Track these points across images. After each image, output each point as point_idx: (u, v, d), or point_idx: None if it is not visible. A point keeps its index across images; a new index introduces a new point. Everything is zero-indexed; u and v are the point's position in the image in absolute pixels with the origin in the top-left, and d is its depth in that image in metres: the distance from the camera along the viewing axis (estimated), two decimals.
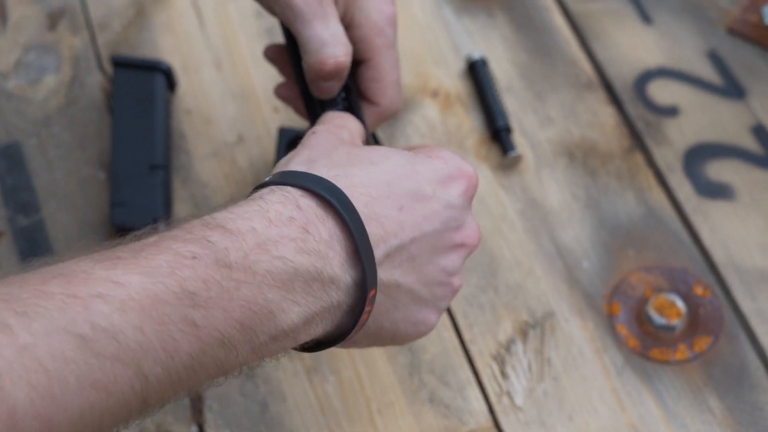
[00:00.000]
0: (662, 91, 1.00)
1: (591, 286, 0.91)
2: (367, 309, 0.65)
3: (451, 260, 0.71)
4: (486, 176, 0.96)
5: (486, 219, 0.94)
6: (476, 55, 1.01)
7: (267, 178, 0.67)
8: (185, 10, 1.07)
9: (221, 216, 0.62)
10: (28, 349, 0.52)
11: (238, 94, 1.02)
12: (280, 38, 1.05)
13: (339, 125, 0.74)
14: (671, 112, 0.99)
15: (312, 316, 0.63)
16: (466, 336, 0.89)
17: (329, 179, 0.66)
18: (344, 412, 0.86)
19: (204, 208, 0.95)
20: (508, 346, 0.89)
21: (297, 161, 0.69)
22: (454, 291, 0.73)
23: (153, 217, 0.92)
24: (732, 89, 1.00)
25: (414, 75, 1.02)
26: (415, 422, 0.86)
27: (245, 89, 1.02)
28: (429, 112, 1.00)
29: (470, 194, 0.72)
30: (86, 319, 0.54)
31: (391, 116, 0.84)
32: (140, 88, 0.98)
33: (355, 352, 0.88)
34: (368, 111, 0.82)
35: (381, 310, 0.69)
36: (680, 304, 0.89)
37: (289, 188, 0.65)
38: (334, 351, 0.88)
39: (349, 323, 0.66)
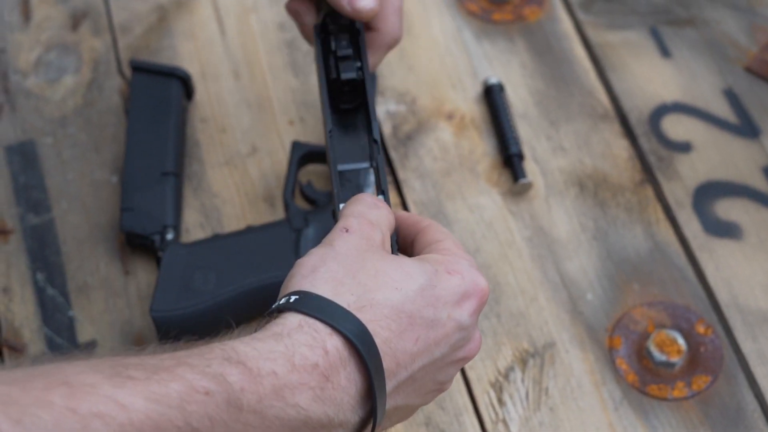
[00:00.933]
0: (676, 127, 1.01)
1: (594, 319, 0.91)
2: None
3: (448, 373, 0.71)
4: (496, 202, 0.97)
5: (493, 245, 0.94)
6: (493, 79, 1.01)
7: (292, 298, 0.65)
8: (207, 19, 1.08)
9: (244, 351, 0.61)
10: None
11: (254, 104, 1.02)
12: (300, 52, 1.06)
13: (372, 223, 0.71)
14: (684, 147, 0.99)
15: None
16: None
17: (356, 312, 0.65)
18: None
19: (213, 218, 0.96)
20: (507, 374, 0.89)
21: (324, 277, 0.67)
22: (442, 392, 0.73)
23: (162, 225, 0.93)
24: (746, 128, 1.00)
25: (430, 97, 1.02)
26: None
27: (262, 100, 1.03)
28: (443, 134, 1.00)
29: (480, 310, 0.71)
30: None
31: (393, 44, 0.84)
32: (157, 93, 0.99)
33: None
34: (370, 39, 0.83)
35: (384, 426, 0.69)
36: (681, 341, 0.89)
37: (318, 325, 0.63)
38: None
39: None
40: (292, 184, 0.93)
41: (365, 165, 0.78)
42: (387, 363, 0.65)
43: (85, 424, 0.53)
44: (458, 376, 0.88)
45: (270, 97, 1.03)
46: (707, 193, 0.97)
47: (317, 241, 0.86)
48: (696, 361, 0.89)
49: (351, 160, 0.78)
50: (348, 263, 0.67)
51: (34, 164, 0.99)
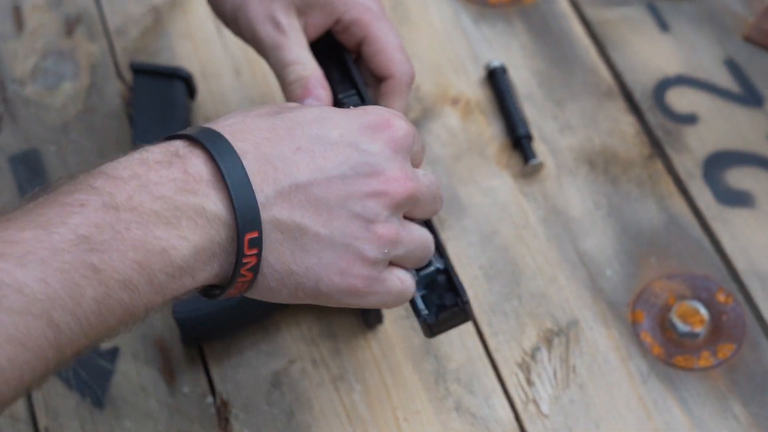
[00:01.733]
0: (681, 99, 1.01)
1: (614, 294, 0.92)
2: (249, 252, 0.66)
3: (369, 207, 0.69)
4: (507, 184, 0.97)
5: (508, 227, 0.94)
6: (496, 62, 1.01)
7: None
8: (203, 18, 1.07)
9: (104, 166, 0.65)
10: None
11: (257, 101, 1.02)
12: None
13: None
14: (690, 119, 1.00)
15: (201, 250, 0.65)
16: (491, 344, 0.90)
17: (220, 128, 0.67)
18: (371, 420, 0.86)
19: None
20: (533, 354, 0.89)
21: (213, 121, 0.71)
22: (379, 238, 0.70)
23: None
24: (750, 97, 1.01)
25: (434, 83, 1.02)
26: (442, 430, 0.86)
27: (265, 96, 1.02)
28: (450, 120, 1.00)
29: (397, 144, 0.70)
30: None
31: (410, 82, 0.84)
32: (160, 95, 0.98)
33: (381, 361, 0.89)
34: (389, 86, 0.83)
35: (285, 253, 0.68)
36: (703, 311, 0.90)
37: (173, 141, 0.67)
38: (360, 360, 0.89)
39: (235, 266, 0.67)
40: None
41: None
42: (259, 165, 0.66)
43: None
44: (485, 358, 0.88)
45: (273, 93, 1.02)
46: (717, 164, 0.97)
47: None
48: (719, 330, 0.90)
49: None
50: (249, 110, 0.71)
51: (40, 173, 0.98)
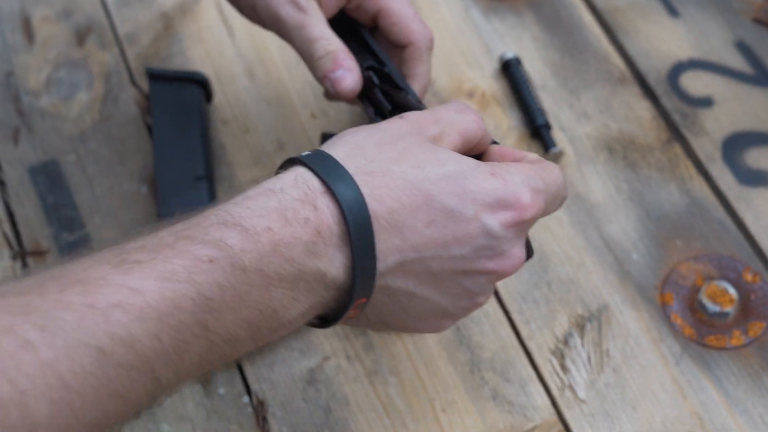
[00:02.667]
0: (695, 83, 1.02)
1: (642, 278, 0.92)
2: (353, 313, 0.67)
3: (479, 283, 0.70)
4: None
5: None
6: (510, 54, 1.02)
7: (303, 153, 0.67)
8: (213, 22, 1.07)
9: (238, 212, 0.62)
10: (50, 366, 0.53)
11: (273, 101, 1.02)
12: None
13: (436, 119, 0.71)
14: (706, 102, 1.01)
15: (309, 309, 0.65)
16: (524, 332, 0.90)
17: (360, 176, 0.65)
18: (408, 413, 0.87)
19: None
20: (566, 340, 0.89)
21: (347, 140, 0.68)
22: (477, 307, 0.72)
23: None
24: (763, 77, 1.01)
25: (448, 77, 1.03)
26: (480, 419, 0.86)
27: (281, 96, 1.02)
28: None
29: (519, 228, 0.69)
30: (105, 330, 0.55)
31: (431, 45, 0.85)
32: (178, 100, 0.98)
33: (414, 354, 0.89)
34: (411, 55, 0.85)
35: (384, 311, 0.70)
36: (732, 291, 0.90)
37: (314, 182, 0.64)
38: (393, 354, 0.89)
39: (338, 316, 0.68)
40: None
41: None
42: (388, 235, 0.65)
43: (107, 316, 0.55)
44: (518, 346, 0.89)
45: (288, 92, 1.03)
46: (735, 145, 0.98)
47: None
48: (748, 308, 0.90)
49: None
50: (379, 136, 0.68)
51: (60, 183, 0.98)
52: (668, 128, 1.00)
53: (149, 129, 1.01)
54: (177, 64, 1.04)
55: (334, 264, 0.64)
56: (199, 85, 0.99)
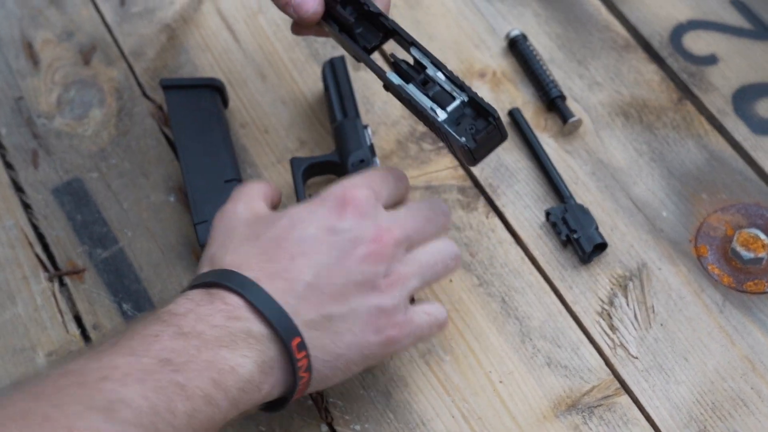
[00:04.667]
0: (698, 43, 1.04)
1: (675, 233, 0.94)
2: (299, 356, 0.76)
3: (365, 271, 0.78)
4: (550, 145, 0.99)
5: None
6: (515, 32, 1.04)
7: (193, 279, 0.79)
8: (217, 29, 1.08)
9: (161, 308, 0.75)
10: (71, 429, 0.64)
11: (288, 101, 1.03)
12: (318, 42, 1.06)
13: (233, 200, 0.84)
14: (711, 60, 1.03)
15: (261, 364, 0.74)
16: (568, 298, 0.92)
17: (228, 265, 0.78)
18: (467, 388, 0.88)
19: None
20: (610, 301, 0.91)
21: (206, 259, 0.81)
22: (388, 288, 0.79)
23: None
24: (762, 31, 1.04)
25: (458, 60, 1.04)
26: (538, 386, 0.88)
27: (295, 95, 1.03)
28: (481, 92, 1.02)
29: (357, 212, 0.79)
30: (102, 397, 0.66)
31: None
32: (197, 107, 0.99)
33: (464, 330, 0.90)
34: None
35: (326, 343, 0.77)
36: (763, 236, 0.93)
37: (197, 289, 0.77)
38: (444, 332, 0.90)
39: (293, 372, 0.76)
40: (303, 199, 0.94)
41: None
42: (274, 284, 0.76)
43: (98, 388, 0.67)
44: (564, 312, 0.90)
45: (302, 90, 1.04)
46: (744, 98, 1.01)
47: None
48: None
49: None
50: (219, 240, 0.82)
51: (87, 200, 0.98)
52: (678, 88, 1.02)
53: (168, 139, 1.01)
54: (186, 73, 1.05)
55: (252, 322, 0.75)
56: (216, 90, 1.00)
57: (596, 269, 0.93)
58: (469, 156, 0.80)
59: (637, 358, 0.89)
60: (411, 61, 0.83)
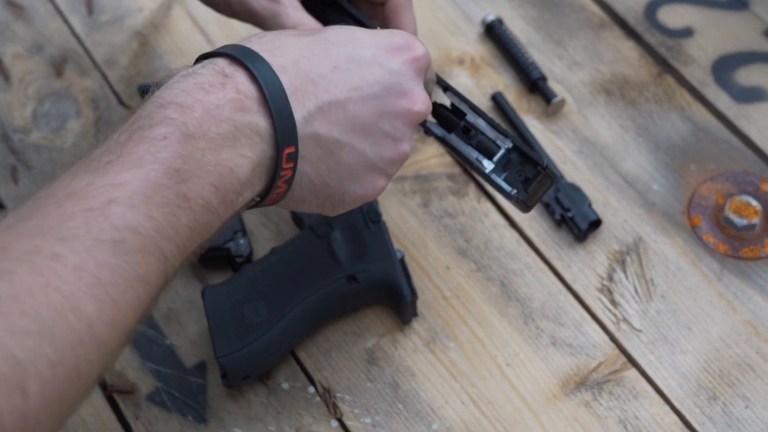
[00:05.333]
0: (672, 16, 1.05)
1: (667, 206, 0.94)
2: (286, 166, 0.71)
3: (397, 126, 0.75)
4: (535, 126, 0.99)
5: None
6: (491, 16, 1.04)
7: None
8: (189, 32, 1.07)
9: (168, 94, 0.69)
10: (81, 268, 0.60)
11: None
12: None
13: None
14: (687, 33, 1.04)
15: (258, 165, 0.70)
16: (567, 276, 0.91)
17: (259, 47, 0.72)
18: (474, 373, 0.87)
19: (273, 214, 0.95)
20: (610, 277, 0.91)
21: (247, 38, 0.75)
22: (402, 155, 0.76)
23: (232, 231, 0.92)
24: (734, 2, 1.05)
25: (436, 48, 1.04)
26: (545, 366, 0.87)
27: None
28: (461, 79, 1.02)
29: (417, 65, 0.76)
30: (110, 224, 0.62)
31: None
32: None
33: (466, 316, 0.90)
34: (392, 7, 0.85)
35: (323, 168, 0.74)
36: (754, 202, 0.93)
37: (217, 59, 0.71)
38: (446, 319, 0.89)
39: (272, 179, 0.72)
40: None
41: None
42: (299, 82, 0.71)
43: (106, 213, 0.62)
44: (565, 291, 0.90)
45: None
46: (724, 67, 1.01)
47: (348, 239, 0.88)
48: None
49: None
50: (275, 32, 0.76)
51: None
52: (657, 62, 1.02)
53: None
54: None
55: (262, 115, 0.69)
56: None
57: (592, 246, 0.93)
58: (522, 205, 0.80)
59: (641, 331, 0.89)
60: (448, 104, 0.83)
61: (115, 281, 0.61)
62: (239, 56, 0.70)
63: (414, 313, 0.90)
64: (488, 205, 0.95)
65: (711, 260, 0.92)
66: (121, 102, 1.03)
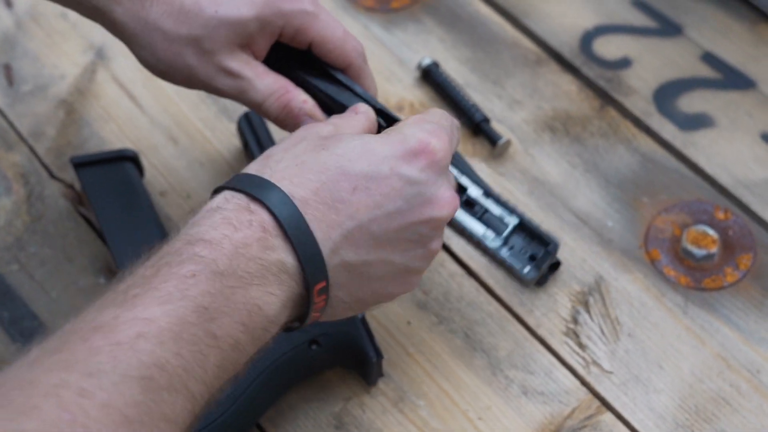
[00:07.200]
0: (608, 47, 1.04)
1: (624, 241, 0.93)
2: (318, 299, 0.71)
3: (424, 232, 0.74)
4: (482, 170, 0.97)
5: None
6: (427, 60, 1.02)
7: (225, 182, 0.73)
8: (116, 97, 1.03)
9: (196, 231, 0.68)
10: (108, 405, 0.58)
11: (205, 161, 0.99)
12: (220, 102, 1.02)
13: (327, 122, 0.78)
14: (624, 63, 1.03)
15: (287, 301, 0.69)
16: (531, 322, 0.90)
17: (277, 175, 0.71)
18: (447, 430, 0.85)
19: None
20: (574, 319, 0.90)
21: (259, 158, 0.74)
22: (433, 253, 0.76)
23: None
24: (668, 28, 1.05)
25: None
26: (518, 417, 0.85)
27: (210, 154, 0.99)
28: None
29: (438, 166, 0.74)
30: (138, 360, 0.61)
31: (365, 58, 0.84)
32: (114, 181, 0.94)
33: (432, 371, 0.87)
34: (353, 73, 0.84)
35: (353, 287, 0.73)
36: (711, 231, 0.92)
37: (239, 195, 0.70)
38: (412, 377, 0.87)
39: (306, 312, 0.72)
40: None
41: None
42: (323, 213, 0.70)
43: (134, 349, 0.61)
44: (530, 337, 0.89)
45: (217, 149, 1.00)
46: (665, 96, 1.01)
47: None
48: (730, 244, 0.93)
49: None
50: (283, 144, 0.74)
51: (11, 296, 0.92)
52: (597, 95, 1.01)
53: (86, 219, 0.96)
54: (93, 147, 1.00)
55: (289, 253, 0.69)
56: (130, 160, 0.95)
57: (554, 289, 0.91)
58: (529, 283, 0.80)
59: (612, 372, 0.87)
60: None
61: (142, 420, 0.60)
62: (258, 195, 0.69)
63: (380, 374, 0.87)
64: (444, 255, 0.93)
65: (674, 294, 0.90)
66: (52, 175, 0.99)
